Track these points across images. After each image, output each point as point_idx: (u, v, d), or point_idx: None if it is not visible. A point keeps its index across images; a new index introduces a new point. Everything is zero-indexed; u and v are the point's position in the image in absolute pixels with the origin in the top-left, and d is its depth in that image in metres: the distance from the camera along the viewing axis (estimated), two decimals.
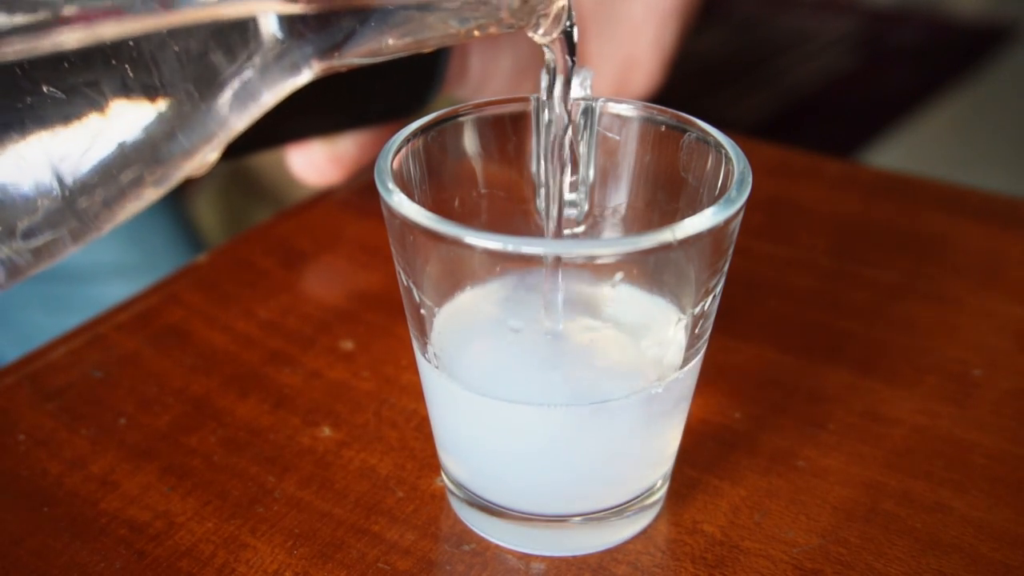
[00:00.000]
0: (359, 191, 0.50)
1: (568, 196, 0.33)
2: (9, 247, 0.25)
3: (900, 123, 1.81)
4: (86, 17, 0.24)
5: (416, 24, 0.28)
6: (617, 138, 0.33)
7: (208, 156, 0.27)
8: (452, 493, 0.33)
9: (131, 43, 0.25)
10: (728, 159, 0.29)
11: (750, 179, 0.28)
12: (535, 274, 0.32)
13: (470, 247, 0.26)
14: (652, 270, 0.31)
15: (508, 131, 0.33)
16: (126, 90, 0.25)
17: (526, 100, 0.33)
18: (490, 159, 0.33)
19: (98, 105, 0.25)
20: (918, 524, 0.32)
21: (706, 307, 0.29)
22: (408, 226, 0.27)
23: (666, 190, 0.32)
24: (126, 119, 0.26)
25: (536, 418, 0.29)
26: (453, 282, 0.32)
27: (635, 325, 0.32)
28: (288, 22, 0.26)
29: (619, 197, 0.33)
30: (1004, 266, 0.45)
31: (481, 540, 0.32)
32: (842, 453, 0.35)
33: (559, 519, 0.31)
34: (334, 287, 0.45)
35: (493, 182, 0.33)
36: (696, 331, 0.30)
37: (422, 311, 0.30)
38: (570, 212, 0.33)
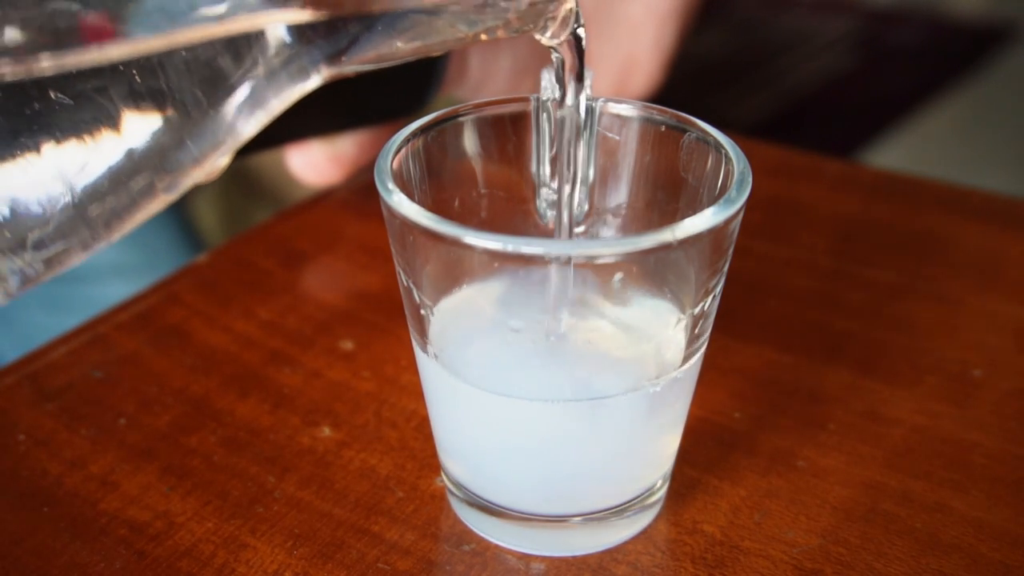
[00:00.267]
0: (359, 191, 0.50)
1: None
2: (21, 257, 0.25)
3: (900, 123, 1.81)
4: (96, 30, 0.24)
5: (424, 29, 0.28)
6: (617, 138, 0.33)
7: (217, 162, 0.27)
8: (452, 493, 0.33)
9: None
10: (728, 159, 0.29)
11: (750, 179, 0.28)
12: (535, 273, 0.32)
13: (470, 247, 0.26)
14: (652, 270, 0.31)
15: (508, 131, 0.33)
16: (134, 97, 0.25)
17: (526, 100, 0.33)
18: (490, 159, 0.33)
19: (107, 112, 0.25)
20: (918, 524, 0.32)
21: (706, 307, 0.29)
22: (408, 226, 0.27)
23: (666, 190, 0.32)
24: (135, 126, 0.26)
25: (535, 414, 0.29)
26: (453, 282, 0.32)
27: (635, 325, 0.32)
28: (297, 28, 0.26)
29: (619, 197, 0.33)
30: (1004, 266, 0.45)
31: (481, 540, 0.32)
32: (842, 453, 0.35)
33: (559, 519, 0.31)
34: (334, 287, 0.45)
35: (493, 182, 0.33)
36: (696, 331, 0.30)
37: (422, 311, 0.30)
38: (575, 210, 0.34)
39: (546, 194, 0.33)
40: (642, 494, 0.31)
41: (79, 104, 0.25)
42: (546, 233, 0.34)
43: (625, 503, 0.31)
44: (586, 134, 0.32)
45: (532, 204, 0.34)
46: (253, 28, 0.26)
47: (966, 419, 0.36)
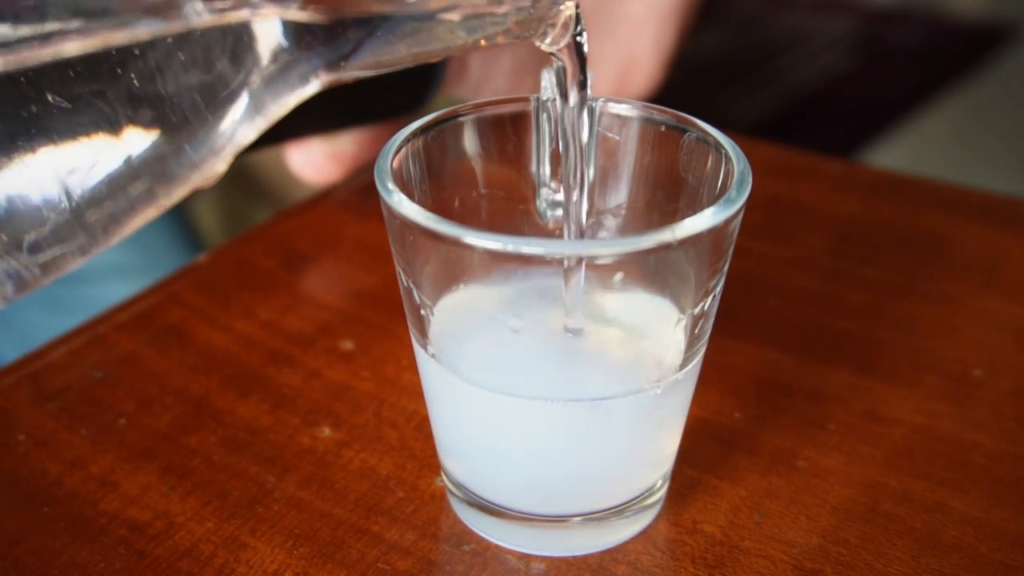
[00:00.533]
0: (359, 191, 0.50)
1: (558, 196, 0.33)
2: (17, 261, 0.25)
3: (900, 123, 1.81)
4: (93, 29, 0.24)
5: (424, 35, 0.28)
6: (617, 138, 0.33)
7: (216, 168, 0.27)
8: (452, 493, 0.33)
9: (136, 52, 0.25)
10: (728, 159, 0.29)
11: (750, 179, 0.28)
12: (535, 273, 0.32)
13: (470, 247, 0.26)
14: (652, 270, 0.31)
15: (508, 131, 0.33)
16: (132, 101, 0.25)
17: (526, 100, 0.33)
18: (490, 159, 0.33)
19: (105, 116, 0.25)
20: (918, 524, 0.32)
21: (706, 307, 0.29)
22: (408, 226, 0.27)
23: (666, 190, 0.32)
24: (133, 131, 0.26)
25: (535, 414, 0.29)
26: (453, 281, 0.32)
27: (635, 325, 0.32)
28: (296, 33, 0.26)
29: (619, 197, 0.33)
30: (1004, 266, 0.45)
31: (481, 540, 0.32)
32: (842, 453, 0.35)
33: (559, 519, 0.31)
34: (334, 287, 0.45)
35: (493, 182, 0.33)
36: (696, 331, 0.30)
37: (422, 311, 0.30)
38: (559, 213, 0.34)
39: (546, 194, 0.33)
40: (642, 494, 0.31)
41: (77, 108, 0.25)
42: (546, 233, 0.34)
43: (625, 503, 0.31)
44: (587, 134, 0.32)
45: (532, 204, 0.34)
46: (250, 31, 0.26)
47: (966, 419, 0.36)
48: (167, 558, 0.31)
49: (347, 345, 0.40)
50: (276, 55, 0.26)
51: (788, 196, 0.50)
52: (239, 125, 0.26)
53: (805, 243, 0.46)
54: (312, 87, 0.27)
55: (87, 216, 0.26)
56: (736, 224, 0.28)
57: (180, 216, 0.73)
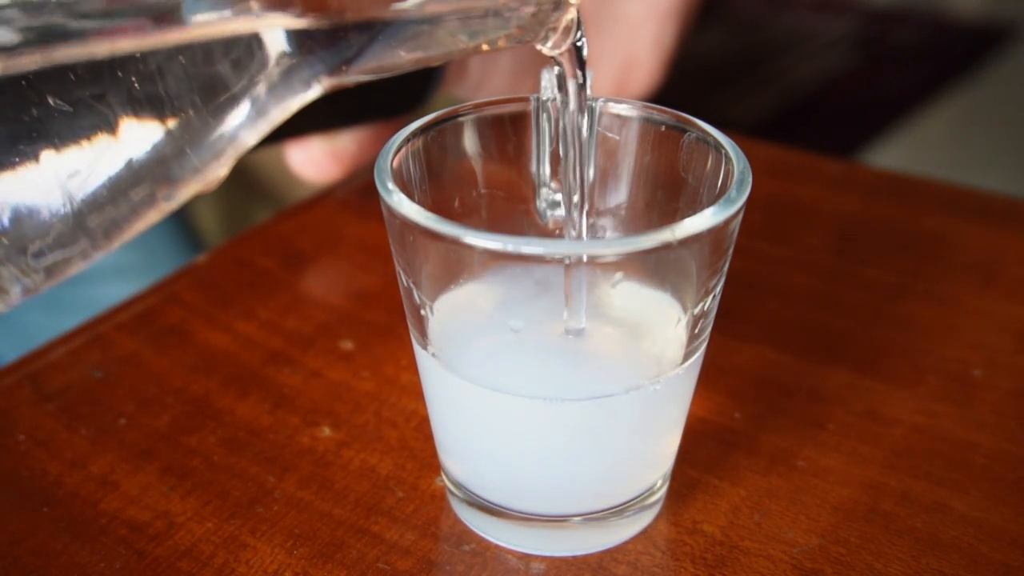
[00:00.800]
0: (359, 191, 0.50)
1: (558, 196, 0.33)
2: (20, 266, 0.25)
3: (900, 123, 1.81)
4: (96, 34, 0.24)
5: (426, 39, 0.28)
6: (617, 138, 0.33)
7: (218, 171, 0.27)
8: (452, 493, 0.33)
9: (138, 55, 0.25)
10: (728, 159, 0.29)
11: (750, 179, 0.28)
12: (535, 273, 0.32)
13: (469, 247, 0.26)
14: (652, 270, 0.31)
15: (508, 131, 0.33)
16: (134, 105, 0.25)
17: (526, 100, 0.33)
18: (490, 159, 0.33)
19: (106, 120, 0.25)
20: (918, 524, 0.32)
21: (706, 307, 0.29)
22: (408, 226, 0.27)
23: (666, 190, 0.32)
24: (134, 135, 0.26)
25: (535, 412, 0.29)
26: (453, 281, 0.32)
27: (635, 325, 0.32)
28: (298, 38, 0.26)
29: (619, 197, 0.33)
30: (1004, 266, 0.45)
31: (481, 540, 0.32)
32: (842, 453, 0.35)
33: (559, 519, 0.31)
34: (334, 287, 0.45)
35: (493, 182, 0.33)
36: (696, 331, 0.30)
37: (422, 311, 0.30)
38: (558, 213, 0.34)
39: (546, 194, 0.33)
40: (642, 494, 0.31)
41: (78, 111, 0.25)
42: (546, 233, 0.34)
43: (625, 503, 0.31)
44: (587, 134, 0.32)
45: (532, 204, 0.34)
46: (253, 37, 0.26)
47: (966, 419, 0.36)
48: (167, 558, 0.31)
49: (347, 345, 0.40)
50: (278, 59, 0.26)
51: (788, 196, 0.50)
52: (241, 129, 0.27)
53: (805, 243, 0.46)
54: (314, 92, 0.27)
55: (89, 221, 0.26)
56: (736, 224, 0.28)
57: (180, 216, 0.73)
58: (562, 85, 0.30)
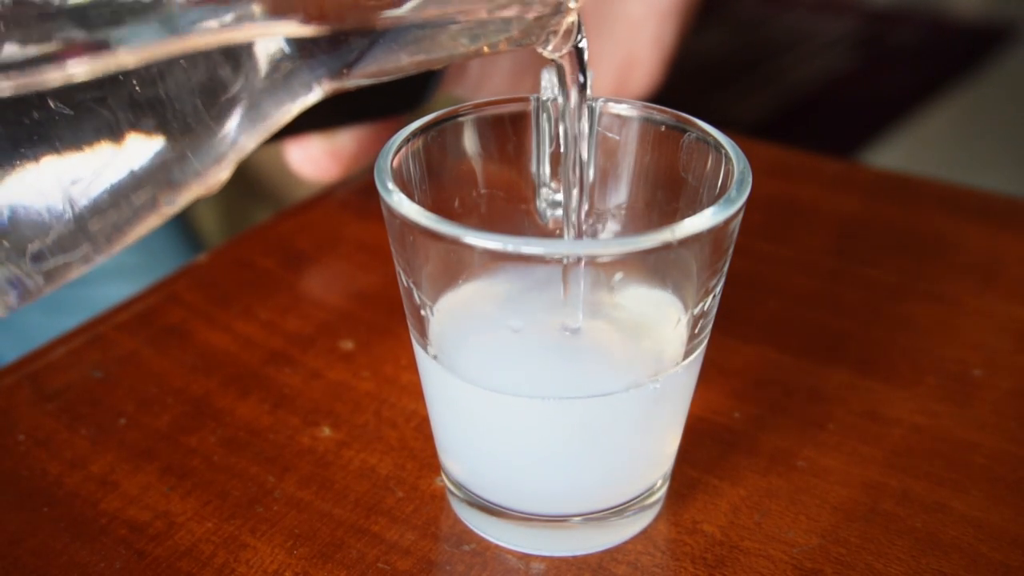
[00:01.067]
0: (359, 191, 0.50)
1: (558, 196, 0.33)
2: (21, 269, 0.25)
3: (900, 123, 1.81)
4: (95, 43, 0.24)
5: (427, 43, 0.28)
6: (617, 138, 0.33)
7: (219, 175, 0.27)
8: (452, 493, 0.33)
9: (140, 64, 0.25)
10: (728, 159, 0.29)
11: (750, 179, 0.28)
12: (535, 273, 0.32)
13: (469, 247, 0.26)
14: (652, 270, 0.31)
15: (508, 131, 0.33)
16: (135, 109, 0.25)
17: (526, 100, 0.33)
18: (490, 159, 0.33)
19: (107, 123, 0.25)
20: (918, 524, 0.32)
21: (706, 307, 0.29)
22: (408, 226, 0.27)
23: (666, 190, 0.32)
24: (135, 139, 0.26)
25: (535, 411, 0.29)
26: (453, 281, 0.32)
27: (635, 324, 0.32)
28: (298, 42, 0.26)
29: (619, 197, 0.33)
30: (1004, 266, 0.45)
31: (481, 540, 0.32)
32: (842, 453, 0.35)
33: (559, 519, 0.31)
34: (334, 287, 0.45)
35: (493, 182, 0.33)
36: (696, 331, 0.30)
37: (422, 311, 0.30)
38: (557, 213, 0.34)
39: (546, 194, 0.33)
40: (642, 494, 0.31)
41: (79, 115, 0.25)
42: (546, 233, 0.34)
43: (625, 503, 0.31)
44: (587, 134, 0.32)
45: (532, 204, 0.34)
46: (253, 43, 0.26)
47: (966, 419, 0.36)
48: (167, 558, 0.31)
49: (347, 345, 0.40)
50: (279, 63, 0.26)
51: (788, 196, 0.50)
52: (242, 133, 0.27)
53: (805, 243, 0.46)
54: (315, 95, 0.27)
55: (90, 225, 0.26)
56: (736, 224, 0.28)
57: (180, 217, 0.73)
58: (562, 87, 0.31)
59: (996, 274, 0.44)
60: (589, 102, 0.32)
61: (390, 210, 0.28)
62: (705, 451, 0.35)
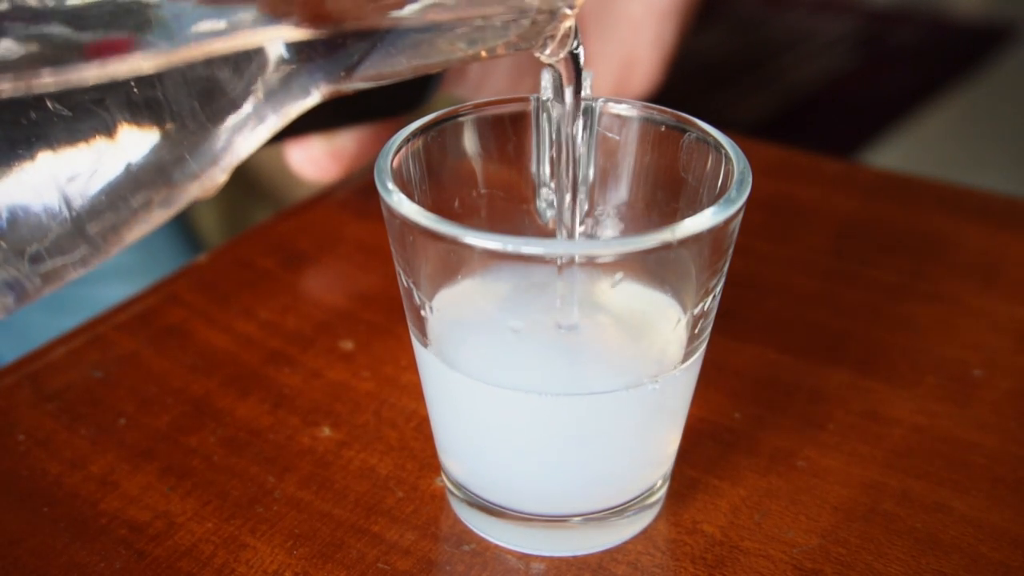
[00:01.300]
0: (359, 191, 0.50)
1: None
2: (18, 271, 0.25)
3: (900, 123, 1.81)
4: (96, 49, 0.24)
5: (426, 47, 0.28)
6: (617, 138, 0.33)
7: (217, 178, 0.27)
8: (452, 493, 0.33)
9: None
10: (728, 159, 0.29)
11: (750, 179, 0.28)
12: (535, 273, 0.32)
13: (469, 247, 0.26)
14: (652, 270, 0.31)
15: (508, 131, 0.33)
16: (133, 111, 0.25)
17: (526, 100, 0.33)
18: (490, 159, 0.33)
19: (105, 125, 0.25)
20: (918, 524, 0.32)
21: (706, 307, 0.29)
22: (408, 226, 0.27)
23: (666, 190, 0.32)
24: (133, 141, 0.26)
25: (536, 409, 0.29)
26: (453, 281, 0.32)
27: (635, 324, 0.32)
28: (296, 46, 0.26)
29: (619, 197, 0.33)
30: (1004, 266, 0.45)
31: (481, 540, 0.32)
32: (842, 453, 0.35)
33: (559, 519, 0.31)
34: (334, 287, 0.45)
35: (493, 182, 0.33)
36: (696, 330, 0.30)
37: (422, 311, 0.30)
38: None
39: (546, 194, 0.33)
40: (642, 494, 0.31)
41: (77, 116, 0.25)
42: (546, 233, 0.34)
43: (625, 503, 0.31)
44: (586, 134, 0.32)
45: (532, 204, 0.34)
46: (251, 46, 0.26)
47: (966, 419, 0.36)
48: (167, 558, 0.31)
49: (347, 345, 0.40)
50: (277, 66, 0.26)
51: (788, 196, 0.50)
52: (240, 135, 0.27)
53: (805, 243, 0.46)
54: (313, 99, 0.27)
55: (88, 227, 0.26)
56: (736, 224, 0.28)
57: (180, 217, 0.73)
58: (559, 90, 0.31)
59: (996, 274, 0.44)
60: (588, 103, 0.32)
61: (390, 210, 0.28)
62: (705, 451, 0.35)
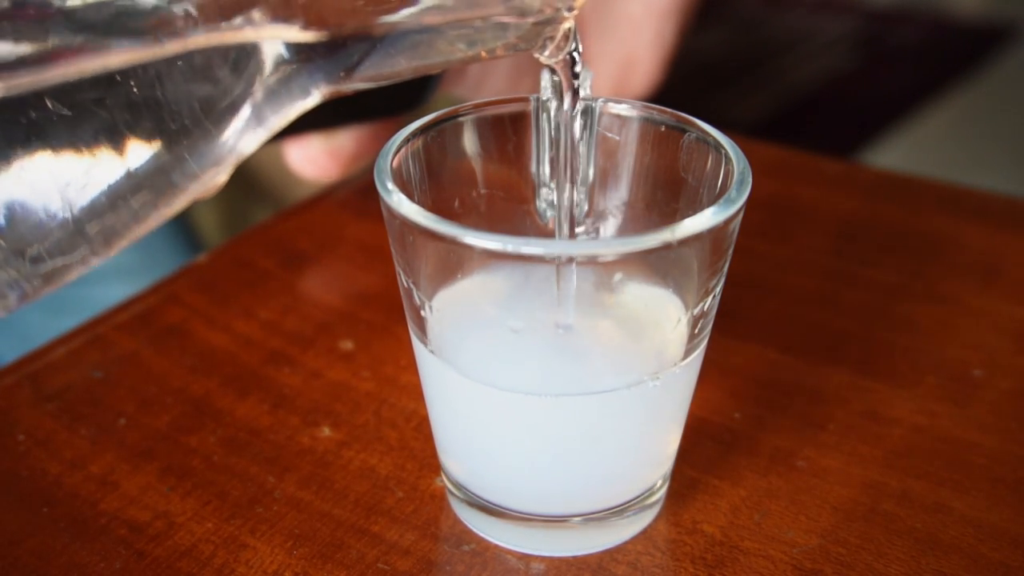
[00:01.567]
0: (359, 191, 0.50)
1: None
2: (19, 271, 0.25)
3: (900, 123, 1.81)
4: (96, 49, 0.24)
5: (425, 48, 0.28)
6: (617, 138, 0.33)
7: (217, 178, 0.27)
8: (452, 493, 0.33)
9: (138, 66, 0.25)
10: (728, 159, 0.29)
11: (750, 179, 0.28)
12: (535, 273, 0.32)
13: (469, 247, 0.26)
14: (652, 270, 0.31)
15: (508, 131, 0.33)
16: (132, 110, 0.25)
17: (526, 100, 0.33)
18: (490, 159, 0.33)
19: (105, 125, 0.25)
20: (918, 524, 0.32)
21: (706, 307, 0.29)
22: (407, 226, 0.27)
23: (666, 190, 0.32)
24: (133, 141, 0.26)
25: (536, 408, 0.29)
26: (453, 281, 0.32)
27: (635, 324, 0.32)
28: (297, 47, 0.26)
29: (619, 197, 0.33)
30: (1004, 266, 0.45)
31: (481, 540, 0.32)
32: (842, 453, 0.35)
33: (559, 519, 0.31)
34: (334, 287, 0.45)
35: (493, 182, 0.33)
36: (696, 330, 0.30)
37: (422, 312, 0.30)
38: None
39: (546, 194, 0.34)
40: (642, 494, 0.31)
41: (77, 116, 0.25)
42: (546, 233, 0.34)
43: (625, 503, 0.31)
44: (586, 134, 0.32)
45: (532, 204, 0.34)
46: (253, 48, 0.26)
47: (966, 419, 0.36)
48: (167, 558, 0.31)
49: (347, 345, 0.40)
50: (277, 67, 0.26)
51: (788, 196, 0.50)
52: (240, 136, 0.27)
53: (805, 243, 0.46)
54: (313, 99, 0.27)
55: (88, 227, 0.26)
56: (736, 224, 0.28)
57: (180, 216, 0.73)
58: (557, 91, 0.31)
59: (996, 274, 0.44)
60: (588, 103, 0.32)
61: (390, 210, 0.28)
62: (705, 451, 0.35)
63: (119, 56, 0.24)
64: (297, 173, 0.50)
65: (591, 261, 0.30)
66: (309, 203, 0.50)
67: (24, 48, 0.23)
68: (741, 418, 0.36)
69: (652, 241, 0.26)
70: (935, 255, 0.45)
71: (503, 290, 0.33)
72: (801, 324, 0.41)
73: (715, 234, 0.27)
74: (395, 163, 0.29)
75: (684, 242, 0.26)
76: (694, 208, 0.31)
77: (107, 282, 0.63)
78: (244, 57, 0.26)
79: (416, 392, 0.37)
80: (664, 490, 0.33)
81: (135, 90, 0.25)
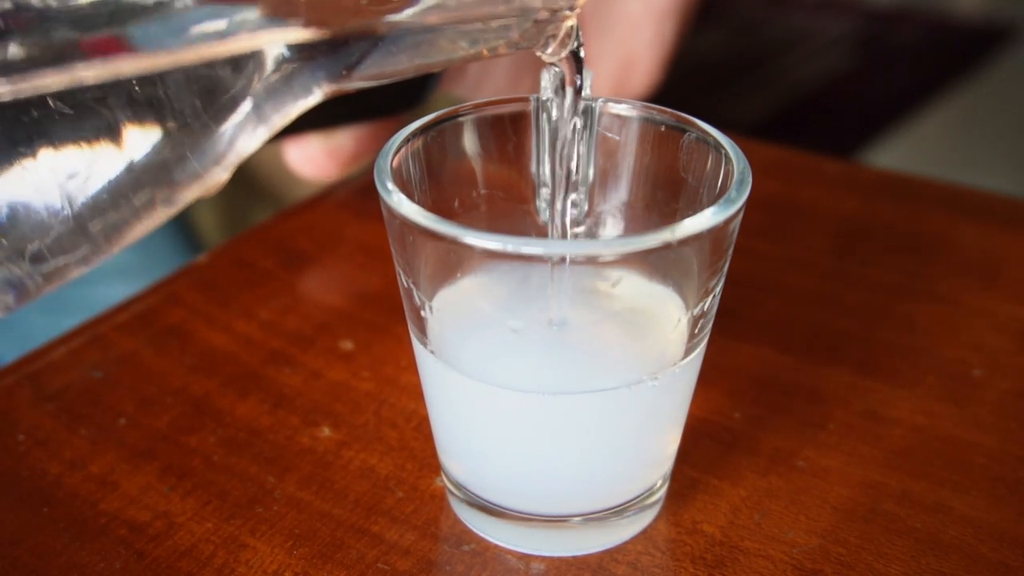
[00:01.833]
0: (359, 191, 0.50)
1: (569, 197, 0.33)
2: (20, 269, 0.25)
3: (900, 123, 1.81)
4: (96, 48, 0.24)
5: (426, 47, 0.28)
6: (617, 138, 0.33)
7: (218, 177, 0.27)
8: (452, 493, 0.33)
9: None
10: (728, 159, 0.29)
11: (750, 179, 0.28)
12: (535, 273, 0.32)
13: (469, 247, 0.26)
14: (652, 270, 0.31)
15: (508, 131, 0.33)
16: (135, 109, 0.25)
17: (526, 100, 0.33)
18: (490, 159, 0.33)
19: (107, 124, 0.25)
20: (918, 524, 0.32)
21: (706, 307, 0.29)
22: (408, 226, 0.27)
23: (666, 190, 0.32)
24: (135, 139, 0.26)
25: (535, 407, 0.29)
26: (453, 281, 0.32)
27: (635, 324, 0.32)
28: (299, 46, 0.26)
29: (619, 197, 0.33)
30: (1004, 266, 0.45)
31: (481, 540, 0.32)
32: (842, 453, 0.35)
33: (559, 519, 0.31)
34: (334, 287, 0.45)
35: (493, 182, 0.33)
36: (696, 330, 0.30)
37: (422, 312, 0.30)
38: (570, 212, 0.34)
39: (546, 194, 0.34)
40: (642, 494, 0.31)
41: (79, 114, 0.25)
42: (546, 233, 0.34)
43: (625, 503, 0.31)
44: (586, 134, 0.32)
45: (532, 204, 0.34)
46: (254, 47, 0.26)
47: (966, 419, 0.36)
48: (167, 558, 0.31)
49: (347, 345, 0.40)
50: (279, 65, 0.26)
51: (788, 196, 0.50)
52: (241, 134, 0.27)
53: (805, 243, 0.46)
54: (314, 98, 0.27)
55: (89, 225, 0.26)
56: (736, 224, 0.28)
57: (180, 216, 0.73)
58: (560, 89, 0.31)
59: (996, 274, 0.44)
60: (588, 103, 0.32)
61: (390, 210, 0.28)
62: (705, 451, 0.35)
63: (122, 58, 0.24)
64: (296, 173, 0.50)
65: (591, 261, 0.30)
66: (309, 203, 0.50)
67: (26, 49, 0.23)
68: (741, 418, 0.36)
69: (652, 241, 0.26)
70: (935, 255, 0.45)
71: (503, 290, 0.33)
72: (801, 324, 0.41)
73: (715, 234, 0.27)
74: (395, 163, 0.29)
75: (684, 242, 0.26)
76: (694, 208, 0.31)
77: (107, 282, 0.63)
78: (246, 55, 0.26)
79: (416, 392, 0.37)
80: (664, 490, 0.33)
81: (137, 88, 0.25)
